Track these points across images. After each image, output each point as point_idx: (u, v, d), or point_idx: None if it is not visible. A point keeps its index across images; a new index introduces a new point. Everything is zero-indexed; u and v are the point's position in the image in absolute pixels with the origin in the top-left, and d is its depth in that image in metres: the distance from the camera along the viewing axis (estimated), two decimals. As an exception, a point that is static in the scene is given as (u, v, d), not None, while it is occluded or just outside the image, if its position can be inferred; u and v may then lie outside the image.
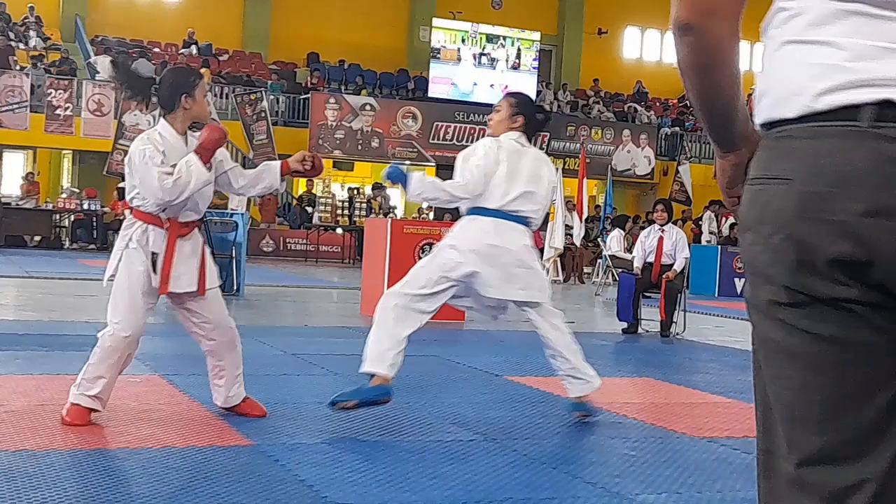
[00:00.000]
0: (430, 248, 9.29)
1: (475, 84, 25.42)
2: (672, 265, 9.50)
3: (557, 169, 20.41)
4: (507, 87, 25.75)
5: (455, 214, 5.16)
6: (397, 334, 4.53)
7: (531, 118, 4.96)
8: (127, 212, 4.50)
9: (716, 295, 15.95)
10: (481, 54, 25.66)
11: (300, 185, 24.33)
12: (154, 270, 4.34)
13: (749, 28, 1.47)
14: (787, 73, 1.32)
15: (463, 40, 25.51)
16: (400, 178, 4.68)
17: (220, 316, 4.55)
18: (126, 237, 4.39)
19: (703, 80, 1.44)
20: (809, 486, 1.29)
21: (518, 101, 4.98)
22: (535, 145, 5.09)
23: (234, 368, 4.58)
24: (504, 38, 26.05)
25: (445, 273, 4.65)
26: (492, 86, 25.59)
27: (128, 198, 4.46)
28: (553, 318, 4.89)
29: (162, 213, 4.37)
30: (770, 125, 1.35)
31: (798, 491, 1.30)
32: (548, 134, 25.09)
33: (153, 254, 4.35)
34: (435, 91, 25.13)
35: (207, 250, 4.61)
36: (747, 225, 1.35)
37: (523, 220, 4.81)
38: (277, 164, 4.67)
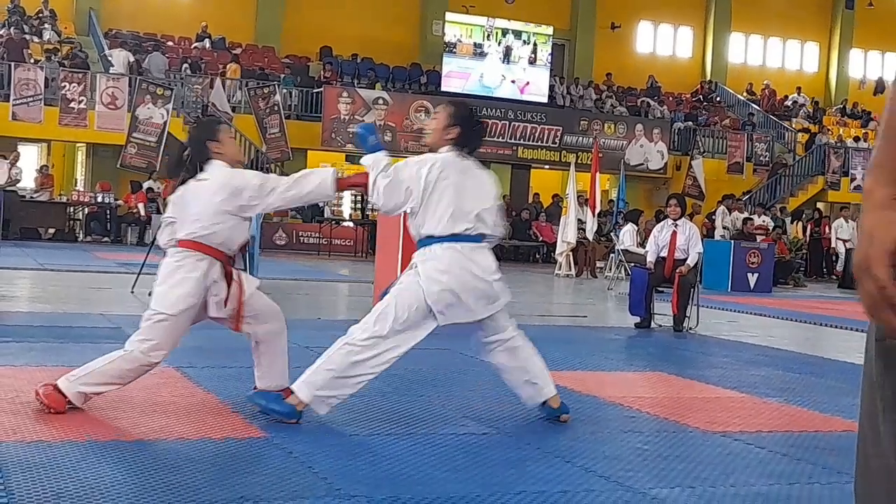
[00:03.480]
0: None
1: (503, 77, 25.36)
2: (685, 260, 9.47)
3: (570, 164, 20.40)
4: (528, 83, 25.69)
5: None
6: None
7: (467, 131, 4.62)
8: (173, 246, 4.50)
9: (728, 290, 15.91)
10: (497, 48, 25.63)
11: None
12: (215, 302, 4.44)
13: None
14: None
15: (487, 36, 25.46)
16: (363, 142, 4.51)
17: (265, 303, 4.68)
18: (188, 268, 4.40)
19: None
20: None
21: (455, 112, 4.63)
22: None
23: (283, 354, 4.68)
24: (520, 32, 25.98)
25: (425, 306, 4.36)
26: (513, 81, 25.53)
27: (183, 234, 4.44)
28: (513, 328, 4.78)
29: (220, 244, 4.44)
30: None
31: None
32: (560, 128, 25.06)
33: (213, 283, 4.44)
34: (449, 85, 25.08)
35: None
36: None
37: (480, 239, 4.54)
38: None
